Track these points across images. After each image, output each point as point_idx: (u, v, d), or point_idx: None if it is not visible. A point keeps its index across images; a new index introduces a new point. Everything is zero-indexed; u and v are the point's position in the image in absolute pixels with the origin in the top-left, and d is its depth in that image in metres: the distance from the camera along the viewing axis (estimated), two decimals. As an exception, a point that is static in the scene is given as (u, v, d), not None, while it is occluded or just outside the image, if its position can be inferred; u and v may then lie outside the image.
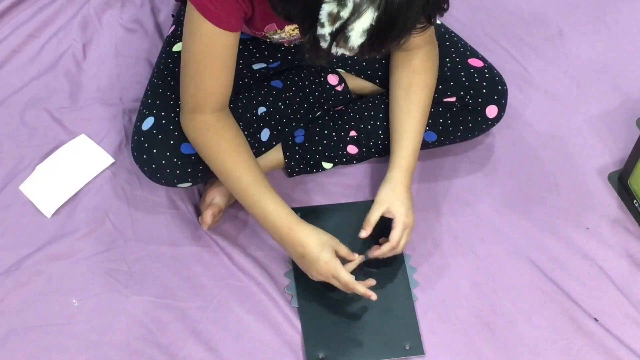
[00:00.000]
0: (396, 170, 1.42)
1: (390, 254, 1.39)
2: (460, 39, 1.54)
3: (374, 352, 1.37)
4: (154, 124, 1.38)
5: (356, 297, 1.39)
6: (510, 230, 1.52)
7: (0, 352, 1.35)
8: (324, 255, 1.30)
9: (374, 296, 1.33)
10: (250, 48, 1.49)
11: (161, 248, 1.47)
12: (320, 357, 1.35)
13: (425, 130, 1.47)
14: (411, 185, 1.42)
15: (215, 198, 1.45)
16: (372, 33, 1.01)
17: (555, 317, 1.42)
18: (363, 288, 1.32)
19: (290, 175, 1.56)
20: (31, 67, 1.69)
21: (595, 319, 1.42)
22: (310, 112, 1.54)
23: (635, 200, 1.53)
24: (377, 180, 1.53)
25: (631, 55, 1.80)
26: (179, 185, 1.43)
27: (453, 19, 1.78)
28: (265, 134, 1.46)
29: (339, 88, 1.56)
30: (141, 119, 1.40)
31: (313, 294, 1.41)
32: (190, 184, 1.43)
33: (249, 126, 1.42)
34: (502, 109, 1.51)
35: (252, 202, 1.33)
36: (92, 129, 1.61)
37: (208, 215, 1.42)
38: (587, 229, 1.53)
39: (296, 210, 1.35)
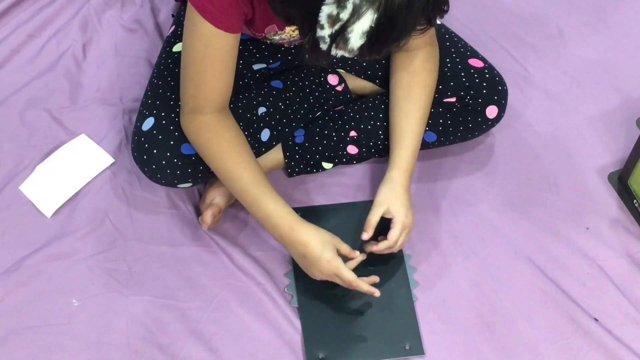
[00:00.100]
0: (395, 170, 1.42)
1: (386, 252, 1.39)
2: (460, 39, 1.54)
3: (374, 352, 1.37)
4: (154, 124, 1.38)
5: (357, 296, 1.39)
6: (510, 230, 1.52)
7: (0, 352, 1.35)
8: (326, 254, 1.30)
9: (377, 293, 1.33)
10: (250, 48, 1.49)
11: (161, 248, 1.47)
12: (320, 357, 1.35)
13: (425, 130, 1.47)
14: (410, 186, 1.42)
15: (216, 198, 1.45)
16: (372, 35, 1.00)
17: (555, 317, 1.42)
18: (366, 285, 1.32)
19: (290, 175, 1.56)
20: (31, 67, 1.69)
21: (595, 319, 1.42)
22: (311, 112, 1.54)
23: (635, 200, 1.53)
24: (377, 180, 1.53)
25: (631, 55, 1.80)
26: (179, 186, 1.43)
27: (453, 19, 1.78)
28: (265, 134, 1.46)
29: (339, 88, 1.56)
30: (141, 119, 1.40)
31: (313, 294, 1.41)
32: (191, 184, 1.43)
33: (249, 126, 1.42)
34: (502, 109, 1.51)
35: (252, 202, 1.33)
36: (92, 129, 1.61)
37: (208, 216, 1.42)
38: (587, 229, 1.53)
39: (296, 210, 1.35)
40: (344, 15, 0.99)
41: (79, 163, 1.55)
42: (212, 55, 1.26)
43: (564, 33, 1.83)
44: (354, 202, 1.54)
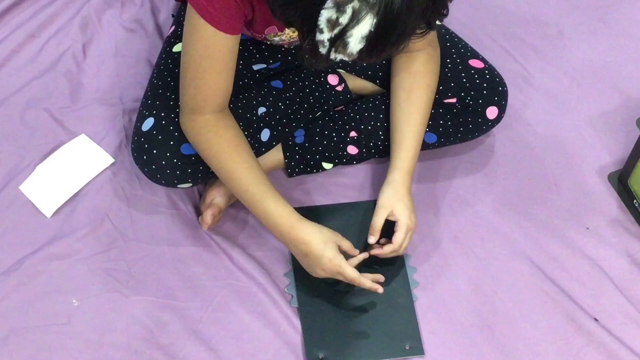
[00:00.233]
0: (397, 172, 1.42)
1: (391, 255, 1.40)
2: (460, 40, 1.54)
3: (374, 352, 1.37)
4: (154, 124, 1.38)
5: (357, 296, 1.39)
6: (510, 230, 1.52)
7: (0, 352, 1.35)
8: (328, 252, 1.30)
9: (380, 289, 1.33)
10: (250, 49, 1.49)
11: (161, 248, 1.47)
12: (320, 357, 1.35)
13: (426, 131, 1.47)
14: (411, 187, 1.42)
15: (216, 198, 1.45)
16: (371, 39, 1.00)
17: (555, 317, 1.42)
18: (369, 282, 1.32)
19: (290, 175, 1.56)
20: (31, 67, 1.69)
21: (595, 319, 1.42)
22: (311, 112, 1.54)
23: (635, 200, 1.53)
24: (377, 181, 1.54)
25: (631, 56, 1.79)
26: (179, 186, 1.43)
27: (453, 19, 1.77)
28: (265, 134, 1.46)
29: (339, 88, 1.56)
30: (141, 119, 1.40)
31: (313, 294, 1.41)
32: (191, 184, 1.43)
33: (249, 126, 1.42)
34: (502, 110, 1.51)
35: (253, 202, 1.33)
36: (92, 129, 1.61)
37: (208, 216, 1.42)
38: (587, 229, 1.53)
39: (297, 210, 1.35)
40: (344, 19, 0.99)
41: (79, 163, 1.55)
42: (212, 57, 1.26)
43: (564, 33, 1.83)
44: (355, 202, 1.54)
